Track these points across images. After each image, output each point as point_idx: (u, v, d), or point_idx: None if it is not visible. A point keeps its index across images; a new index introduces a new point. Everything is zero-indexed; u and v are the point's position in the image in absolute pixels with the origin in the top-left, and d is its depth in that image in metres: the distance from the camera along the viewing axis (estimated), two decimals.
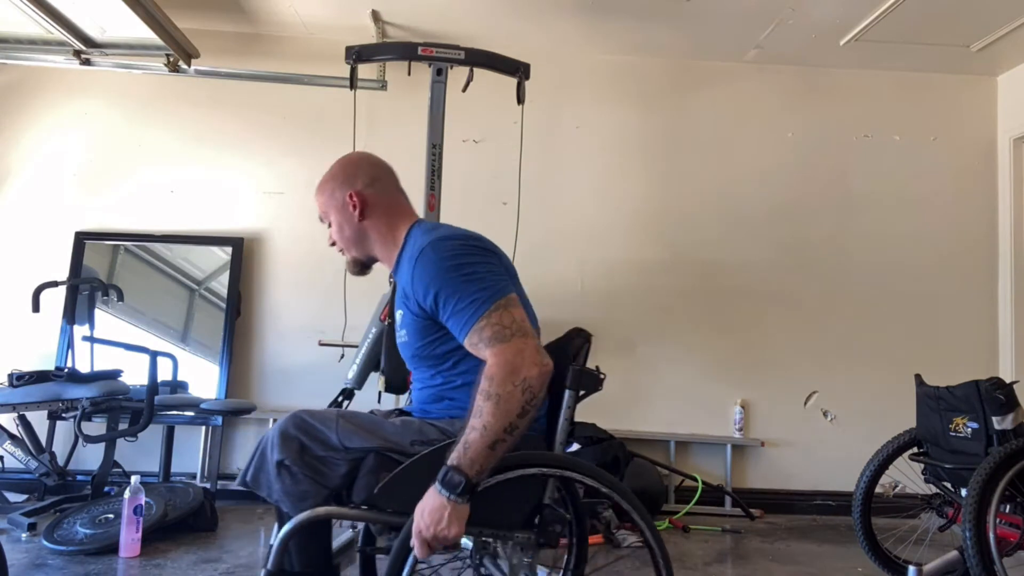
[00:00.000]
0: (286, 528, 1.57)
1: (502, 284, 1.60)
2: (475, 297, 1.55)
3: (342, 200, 1.80)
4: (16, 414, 3.30)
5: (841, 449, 4.14)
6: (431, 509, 1.43)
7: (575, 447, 3.69)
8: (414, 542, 1.46)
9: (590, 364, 1.80)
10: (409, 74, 3.75)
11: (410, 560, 1.51)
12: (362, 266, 1.89)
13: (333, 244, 1.87)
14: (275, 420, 4.11)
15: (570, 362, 1.71)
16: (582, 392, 1.69)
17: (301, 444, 1.63)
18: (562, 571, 1.97)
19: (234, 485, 3.92)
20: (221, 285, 4.12)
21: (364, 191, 1.80)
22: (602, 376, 1.72)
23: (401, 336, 1.79)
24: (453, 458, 1.44)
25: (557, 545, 1.63)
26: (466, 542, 1.58)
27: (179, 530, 3.20)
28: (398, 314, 1.81)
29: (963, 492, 2.55)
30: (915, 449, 2.94)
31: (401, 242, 1.78)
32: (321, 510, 1.58)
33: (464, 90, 3.72)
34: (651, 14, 3.89)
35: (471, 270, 1.60)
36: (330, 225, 1.85)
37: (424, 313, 1.65)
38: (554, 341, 1.86)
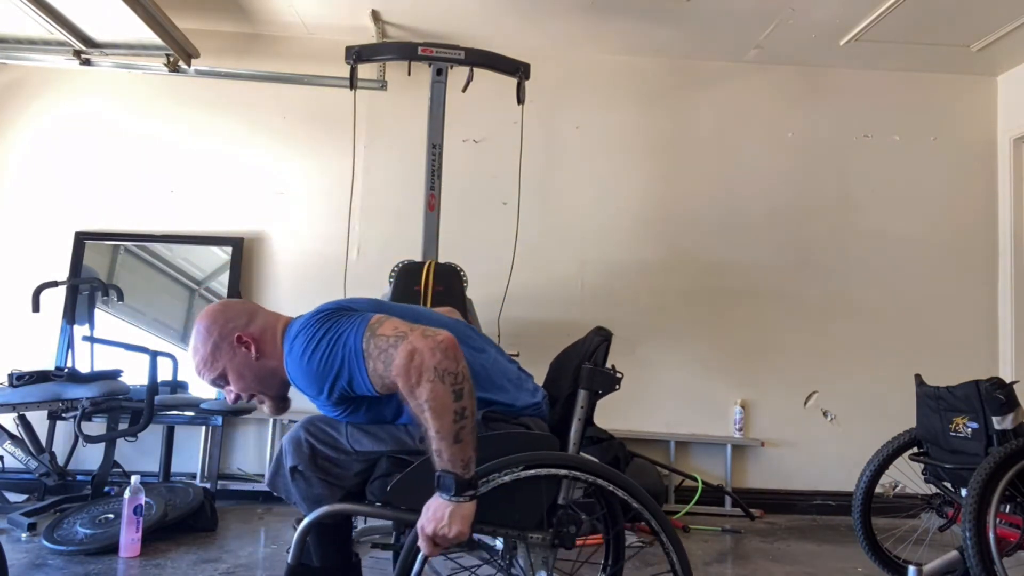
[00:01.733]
0: (302, 525, 1.62)
1: (354, 321, 1.56)
2: (345, 356, 1.53)
3: (231, 349, 1.68)
4: (16, 414, 3.29)
5: (841, 449, 4.14)
6: (434, 508, 1.46)
7: None
8: (420, 540, 1.48)
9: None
10: (409, 74, 3.76)
11: (419, 560, 1.53)
12: (283, 399, 1.77)
13: (238, 399, 1.74)
14: (274, 420, 4.13)
15: (586, 360, 1.70)
16: (599, 391, 1.68)
17: (312, 449, 1.71)
18: (600, 569, 1.97)
19: (235, 485, 3.95)
20: (221, 285, 4.12)
21: (248, 330, 1.69)
22: (619, 375, 1.71)
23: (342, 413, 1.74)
24: (437, 466, 1.46)
25: (572, 547, 1.63)
26: (498, 543, 1.61)
27: (179, 530, 3.19)
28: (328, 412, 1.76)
29: (963, 492, 2.55)
30: (915, 449, 2.94)
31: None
32: (335, 507, 1.63)
33: (464, 90, 3.72)
34: (651, 14, 3.89)
35: (327, 343, 1.55)
36: (226, 383, 1.71)
37: (343, 397, 1.62)
38: (576, 341, 1.87)
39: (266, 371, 1.69)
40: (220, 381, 1.71)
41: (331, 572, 1.80)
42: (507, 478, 1.56)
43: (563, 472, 1.61)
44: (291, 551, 1.62)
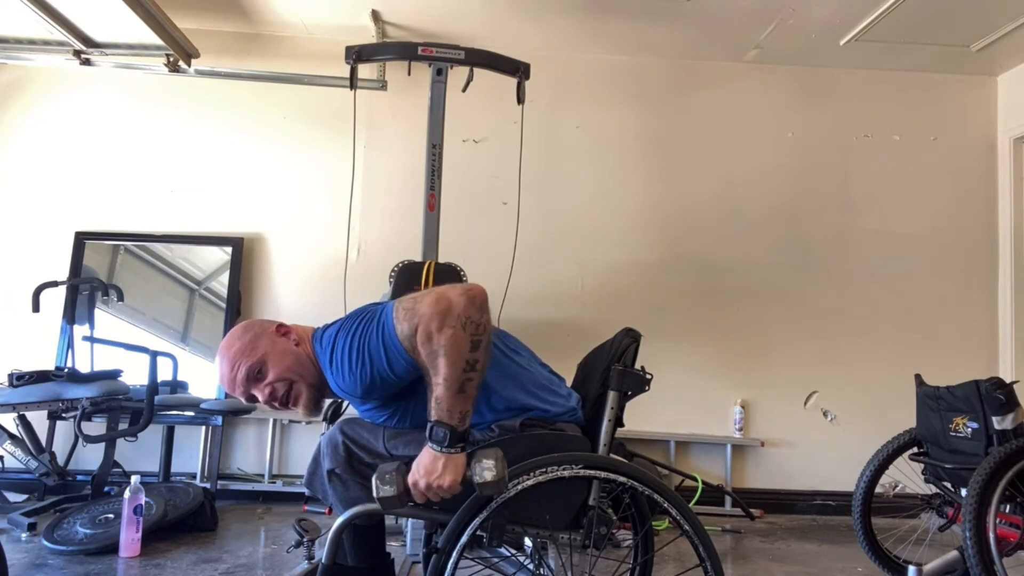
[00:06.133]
0: (336, 524, 1.63)
1: (383, 304, 1.67)
2: (378, 329, 1.58)
3: (271, 337, 1.70)
4: (16, 414, 3.30)
5: (841, 449, 4.14)
6: (425, 463, 1.49)
7: None
8: (413, 493, 1.50)
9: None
10: (409, 74, 3.75)
11: (452, 562, 1.53)
12: (320, 392, 1.74)
13: (272, 395, 1.69)
14: (274, 420, 4.14)
15: (615, 362, 1.71)
16: (628, 392, 1.69)
17: (349, 452, 1.73)
18: (629, 571, 1.98)
19: (235, 485, 3.95)
20: (221, 285, 4.12)
21: (284, 324, 1.75)
22: (648, 376, 1.71)
23: (382, 418, 1.77)
24: (432, 415, 1.48)
25: (603, 548, 1.64)
26: (528, 542, 1.61)
27: (179, 530, 3.20)
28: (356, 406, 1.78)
29: (963, 492, 2.55)
30: (915, 449, 2.94)
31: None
32: (367, 507, 1.62)
33: (464, 90, 3.72)
34: (651, 14, 3.89)
35: (361, 326, 1.61)
36: (262, 377, 1.69)
37: (384, 388, 1.64)
38: (604, 342, 1.86)
39: (305, 357, 1.71)
40: (256, 368, 1.68)
41: (365, 572, 1.81)
42: (542, 478, 1.55)
43: (600, 475, 1.61)
44: (326, 550, 1.62)
